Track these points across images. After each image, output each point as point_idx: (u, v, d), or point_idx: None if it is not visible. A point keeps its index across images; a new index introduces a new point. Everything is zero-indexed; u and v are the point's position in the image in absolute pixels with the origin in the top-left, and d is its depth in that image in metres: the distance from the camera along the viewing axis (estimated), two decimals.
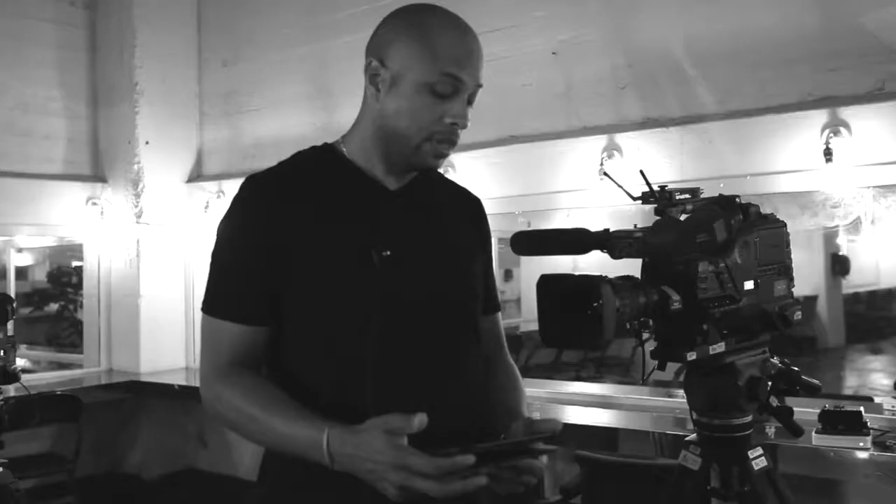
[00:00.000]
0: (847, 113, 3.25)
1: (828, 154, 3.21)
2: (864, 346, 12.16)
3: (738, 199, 1.64)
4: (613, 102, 3.93)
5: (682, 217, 1.61)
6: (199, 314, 5.13)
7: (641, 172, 1.57)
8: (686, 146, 3.63)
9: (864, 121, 3.22)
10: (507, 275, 10.99)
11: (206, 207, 5.60)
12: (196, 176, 5.87)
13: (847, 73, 3.33)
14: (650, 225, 1.57)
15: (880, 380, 9.76)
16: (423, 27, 1.40)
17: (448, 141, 1.43)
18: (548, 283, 1.44)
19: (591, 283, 1.39)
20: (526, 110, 4.14)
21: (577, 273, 1.46)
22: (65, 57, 5.74)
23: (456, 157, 4.18)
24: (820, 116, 3.30)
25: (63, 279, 9.13)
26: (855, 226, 3.42)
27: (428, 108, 1.38)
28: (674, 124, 3.70)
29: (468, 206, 1.62)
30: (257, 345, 1.43)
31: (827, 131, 3.25)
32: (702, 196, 1.62)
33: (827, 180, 3.30)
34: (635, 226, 1.58)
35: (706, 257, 1.54)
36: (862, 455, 2.86)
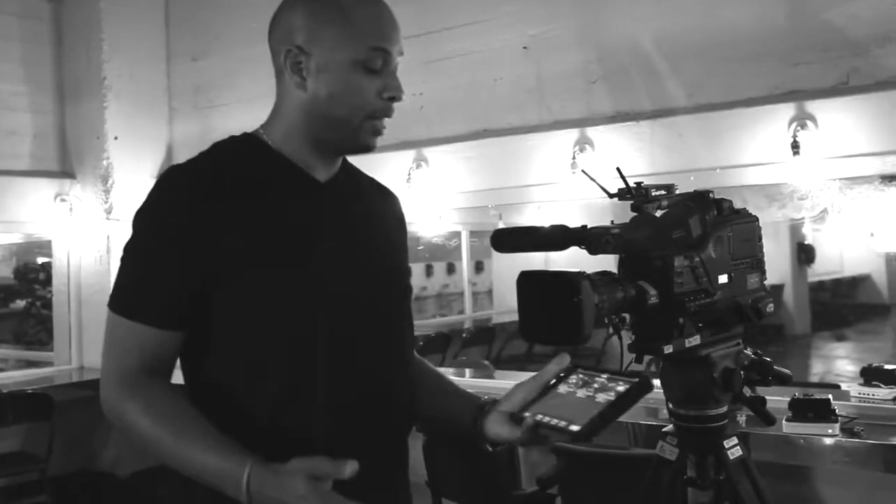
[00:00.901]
0: (813, 106, 3.30)
1: (795, 147, 3.26)
2: (829, 334, 12.39)
3: (711, 195, 1.67)
4: (584, 97, 3.95)
5: (658, 213, 1.63)
6: None
7: (618, 170, 1.59)
8: (656, 139, 3.67)
9: (830, 114, 3.26)
10: (478, 267, 11.05)
11: None
12: None
13: (813, 68, 3.38)
14: (627, 221, 1.60)
15: (845, 366, 9.95)
16: (337, 5, 1.33)
17: (384, 116, 1.36)
18: (527, 279, 1.45)
19: (570, 279, 1.40)
20: (498, 105, 4.14)
21: (553, 269, 1.47)
22: (30, 51, 5.67)
23: (429, 152, 4.19)
24: (787, 110, 3.34)
25: (30, 276, 9.01)
26: (821, 216, 3.48)
27: (363, 87, 1.32)
28: (644, 118, 3.73)
29: (390, 201, 1.55)
30: (170, 351, 1.31)
31: (794, 124, 3.29)
32: (677, 192, 1.65)
33: (794, 172, 3.35)
34: (612, 222, 1.60)
35: (681, 252, 1.57)
36: (830, 441, 2.93)
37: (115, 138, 5.61)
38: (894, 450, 2.90)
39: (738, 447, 1.78)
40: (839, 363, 10.51)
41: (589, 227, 1.58)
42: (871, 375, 3.48)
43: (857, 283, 14.94)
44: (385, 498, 1.36)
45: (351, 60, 1.31)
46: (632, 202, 1.63)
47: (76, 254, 5.74)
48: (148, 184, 5.09)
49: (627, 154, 3.67)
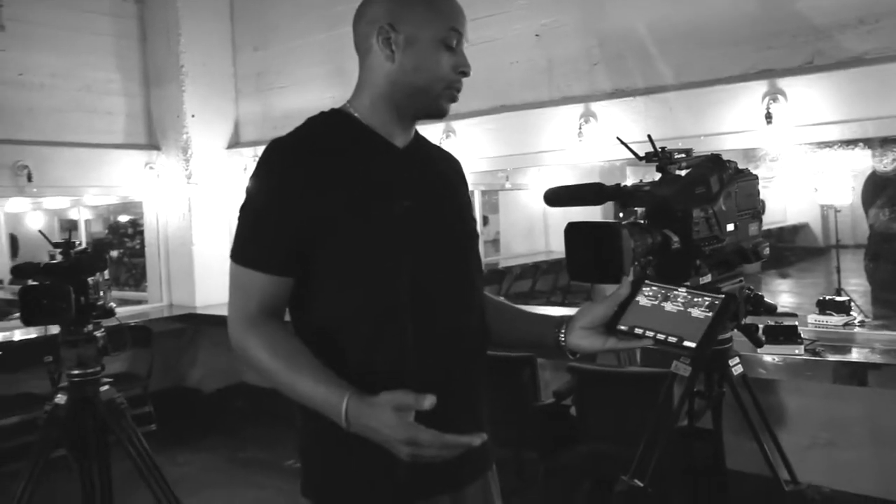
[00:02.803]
0: (783, 83, 3.23)
1: (768, 117, 3.20)
2: (775, 272, 12.36)
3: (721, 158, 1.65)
4: (588, 76, 3.89)
5: (679, 173, 1.61)
6: None
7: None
8: (649, 112, 3.61)
9: (798, 89, 3.20)
10: (485, 220, 11.03)
11: (245, 169, 5.54)
12: (234, 143, 5.78)
13: (783, 50, 3.31)
14: (654, 180, 1.58)
15: (787, 299, 9.96)
16: None
17: (458, 88, 1.34)
18: (574, 229, 1.42)
19: (613, 228, 1.39)
20: (514, 84, 4.09)
21: (595, 220, 1.44)
22: (121, 45, 5.60)
23: (456, 124, 4.15)
24: (760, 86, 3.27)
25: (121, 230, 9.05)
26: (770, 176, 3.44)
27: (442, 61, 1.30)
28: (639, 94, 3.67)
29: (454, 165, 1.52)
30: (282, 294, 1.28)
31: (767, 98, 3.23)
32: (694, 155, 1.63)
33: (767, 139, 3.30)
34: (641, 180, 1.58)
35: (700, 206, 1.55)
36: (799, 359, 2.93)
37: (192, 116, 5.57)
38: (843, 365, 2.91)
39: (740, 365, 1.78)
40: (783, 297, 10.50)
41: (621, 185, 1.56)
42: (825, 306, 3.47)
43: (797, 230, 14.88)
44: (470, 418, 1.34)
45: (434, 38, 1.29)
46: (657, 163, 1.61)
47: (163, 213, 5.74)
48: (220, 153, 5.16)
49: (625, 125, 3.62)
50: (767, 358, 2.93)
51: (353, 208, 1.26)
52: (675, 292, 1.26)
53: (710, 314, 1.20)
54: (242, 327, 1.27)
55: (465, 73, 1.33)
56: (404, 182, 1.34)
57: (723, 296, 1.22)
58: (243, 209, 1.30)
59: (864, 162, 3.88)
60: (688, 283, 1.32)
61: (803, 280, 12.10)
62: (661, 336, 1.20)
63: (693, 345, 1.18)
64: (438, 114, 1.35)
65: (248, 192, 1.31)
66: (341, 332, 1.28)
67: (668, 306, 1.24)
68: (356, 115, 1.35)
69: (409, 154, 1.38)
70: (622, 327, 1.24)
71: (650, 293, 1.27)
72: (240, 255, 1.29)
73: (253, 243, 1.28)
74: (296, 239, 1.26)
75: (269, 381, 1.25)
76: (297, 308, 1.33)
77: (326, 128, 1.35)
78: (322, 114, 1.38)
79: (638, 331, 1.22)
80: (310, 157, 1.27)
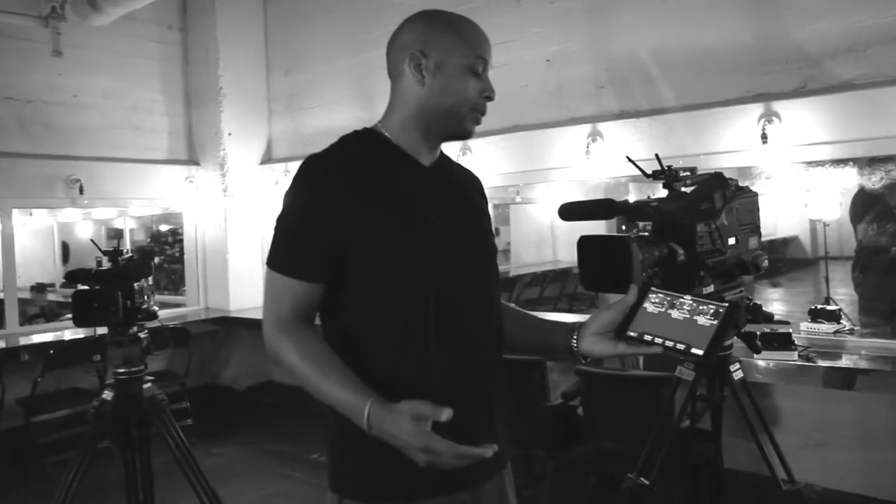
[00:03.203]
0: (778, 106, 3.20)
1: (764, 138, 3.18)
2: (766, 282, 12.24)
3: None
4: (595, 99, 3.88)
5: (684, 189, 1.60)
6: None
7: (657, 156, 1.54)
8: (653, 132, 3.59)
9: (792, 111, 3.17)
10: (496, 232, 11.01)
11: (276, 183, 5.57)
12: (267, 159, 5.81)
13: (778, 76, 3.28)
14: (661, 196, 1.56)
15: (778, 307, 9.84)
16: (452, 23, 1.31)
17: (482, 111, 1.34)
18: (587, 241, 1.41)
19: (623, 241, 1.38)
20: (526, 105, 4.08)
21: (606, 234, 1.43)
22: (165, 69, 5.67)
23: (472, 142, 4.15)
24: (757, 109, 3.25)
25: (162, 239, 9.11)
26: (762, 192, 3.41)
27: (469, 86, 1.28)
28: (643, 115, 3.65)
29: (475, 182, 1.49)
30: (313, 300, 1.26)
31: (762, 120, 3.21)
32: (699, 172, 1.61)
33: (763, 158, 3.27)
34: (648, 197, 1.57)
35: (704, 220, 1.53)
36: (792, 364, 2.89)
37: (229, 134, 5.62)
38: (833, 371, 2.87)
39: (740, 370, 1.75)
40: (775, 305, 10.39)
41: (630, 201, 1.55)
42: (816, 314, 3.43)
43: (787, 242, 14.75)
44: (486, 421, 1.33)
45: (461, 64, 1.28)
46: (663, 181, 1.59)
47: (201, 223, 5.78)
48: (254, 168, 5.19)
49: (630, 144, 3.60)
50: (762, 363, 2.89)
51: (384, 221, 1.25)
52: (681, 300, 1.23)
53: (716, 322, 1.18)
54: (276, 330, 1.26)
55: (490, 98, 1.32)
56: (430, 199, 1.33)
57: (727, 304, 1.20)
58: (280, 220, 1.30)
59: (851, 180, 3.84)
60: (694, 293, 1.30)
61: (793, 289, 11.97)
62: (669, 343, 1.19)
63: (700, 352, 1.16)
64: (464, 135, 1.34)
65: (285, 203, 1.30)
66: (368, 338, 1.26)
67: (675, 314, 1.22)
68: (387, 134, 1.34)
69: (435, 172, 1.37)
70: (632, 333, 1.23)
71: (657, 300, 1.25)
72: (276, 262, 1.27)
73: (288, 252, 1.27)
74: (329, 249, 1.24)
75: (299, 382, 1.24)
76: (328, 314, 1.31)
77: (359, 145, 1.34)
78: (355, 132, 1.37)
79: (647, 337, 1.21)
80: (344, 172, 1.26)
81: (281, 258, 1.27)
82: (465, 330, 1.31)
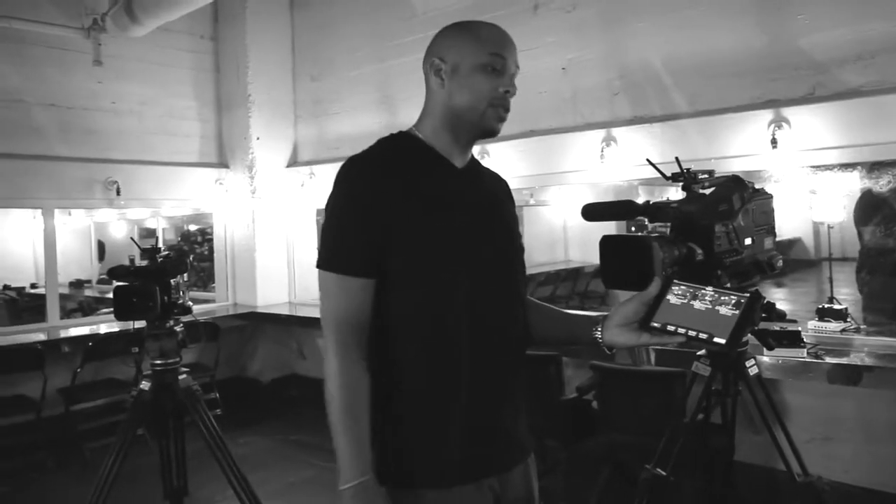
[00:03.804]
0: (787, 112, 3.17)
1: (773, 142, 3.15)
2: (770, 282, 12.13)
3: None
4: (609, 105, 3.86)
5: (701, 191, 1.59)
6: (298, 263, 5.11)
7: (648, 160, 1.53)
8: (665, 137, 3.56)
9: (800, 117, 3.14)
10: None
11: (302, 185, 5.59)
12: (293, 162, 5.84)
13: (787, 82, 3.26)
14: (681, 198, 1.55)
15: (783, 306, 9.73)
16: (468, 27, 1.32)
17: (503, 106, 1.30)
18: (609, 241, 1.41)
19: (645, 241, 1.37)
20: (543, 111, 4.07)
21: (627, 234, 1.43)
22: (197, 77, 5.70)
23: (492, 147, 4.15)
24: (766, 114, 3.22)
25: (191, 238, 9.18)
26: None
27: (484, 83, 1.27)
28: (656, 121, 3.63)
29: (503, 185, 1.49)
30: (368, 298, 1.24)
31: (772, 125, 3.18)
32: (716, 175, 1.60)
33: (772, 162, 3.23)
34: (668, 199, 1.56)
35: (722, 221, 1.52)
36: (800, 361, 2.86)
37: (258, 138, 5.64)
38: (840, 367, 2.84)
39: (756, 366, 1.74)
40: (779, 304, 10.23)
41: (651, 202, 1.54)
42: (824, 313, 3.40)
43: (791, 244, 14.60)
44: (512, 413, 1.33)
45: (474, 63, 1.28)
46: (682, 183, 1.58)
47: (231, 223, 5.81)
48: (281, 171, 5.21)
49: (643, 148, 3.58)
50: (767, 359, 2.86)
51: (421, 219, 1.25)
52: (703, 291, 1.22)
53: (737, 312, 1.17)
54: (332, 342, 1.23)
55: (509, 92, 1.31)
56: (463, 199, 1.33)
57: (748, 294, 1.19)
58: (326, 221, 1.28)
59: (856, 184, 3.80)
60: (715, 285, 1.28)
61: (797, 289, 11.84)
62: (692, 332, 1.17)
63: (723, 341, 1.15)
64: (490, 132, 1.33)
65: (329, 205, 1.27)
66: (400, 333, 1.25)
67: (697, 304, 1.21)
68: (420, 136, 1.35)
69: (467, 174, 1.37)
70: (655, 324, 1.22)
71: (679, 292, 1.24)
72: (327, 261, 1.25)
73: (338, 249, 1.25)
74: (375, 244, 1.23)
75: (327, 400, 1.22)
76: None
77: (396, 147, 1.34)
78: (391, 135, 1.37)
79: (671, 328, 1.19)
80: (383, 171, 1.26)
81: (331, 256, 1.25)
82: (495, 325, 1.30)
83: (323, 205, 1.31)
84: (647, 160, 1.57)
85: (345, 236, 1.25)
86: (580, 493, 3.29)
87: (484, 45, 1.29)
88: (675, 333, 1.19)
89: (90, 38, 4.63)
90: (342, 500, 1.16)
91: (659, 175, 1.61)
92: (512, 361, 1.35)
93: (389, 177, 1.26)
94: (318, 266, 1.26)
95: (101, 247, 8.41)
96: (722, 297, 1.20)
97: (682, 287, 1.24)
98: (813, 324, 3.31)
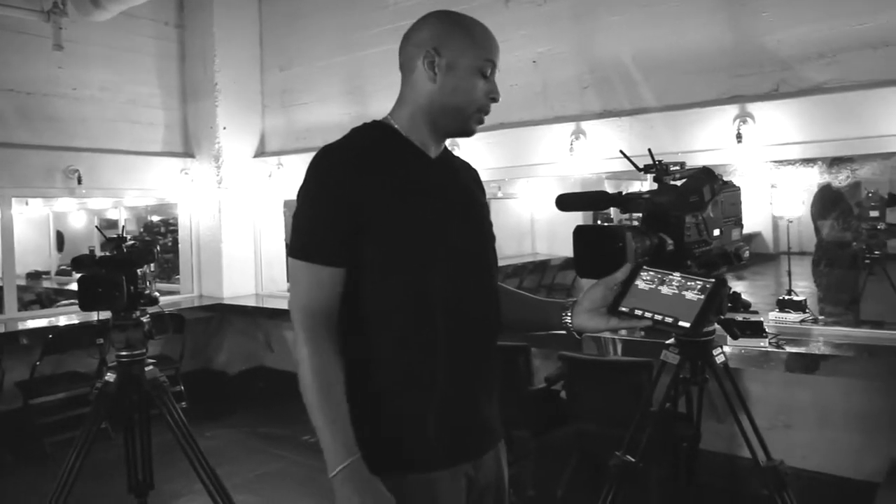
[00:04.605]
0: (752, 107, 3.24)
1: (738, 137, 3.21)
2: (731, 275, 12.38)
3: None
4: (579, 98, 3.89)
5: (673, 182, 1.61)
6: (265, 254, 5.07)
7: (650, 151, 1.55)
8: (634, 131, 3.61)
9: (765, 112, 3.21)
10: None
11: (269, 176, 5.52)
12: (261, 152, 5.76)
13: (752, 78, 3.32)
14: (653, 189, 1.57)
15: (744, 297, 9.94)
16: (467, 25, 1.31)
17: (487, 112, 1.33)
18: (582, 231, 1.42)
19: (617, 231, 1.39)
20: (513, 104, 4.08)
21: (600, 224, 1.45)
22: (163, 64, 5.58)
23: (462, 139, 4.12)
24: (732, 110, 3.28)
25: (155, 229, 9.00)
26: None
27: (477, 87, 1.28)
28: (625, 115, 3.67)
29: (473, 174, 1.50)
30: (338, 287, 1.23)
31: (737, 121, 3.24)
32: (687, 168, 1.62)
33: (738, 156, 3.30)
34: (640, 190, 1.57)
35: (693, 212, 1.55)
36: (761, 350, 2.93)
37: (224, 128, 5.55)
38: (799, 356, 2.91)
39: (722, 354, 1.78)
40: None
41: (623, 193, 1.55)
42: (784, 304, 3.49)
43: (751, 238, 14.92)
44: (488, 398, 1.34)
45: (471, 65, 1.28)
46: (654, 174, 1.60)
47: (196, 213, 5.71)
48: (248, 161, 5.12)
49: (612, 141, 3.62)
50: (728, 349, 2.92)
51: (397, 208, 1.24)
52: (671, 276, 1.25)
53: (703, 297, 1.20)
54: (302, 329, 1.23)
55: (495, 100, 1.33)
56: (438, 188, 1.33)
57: (713, 280, 1.22)
58: (298, 211, 1.26)
59: (816, 179, 3.89)
60: (683, 271, 1.31)
61: (757, 282, 12.10)
62: (658, 317, 1.20)
63: (687, 325, 1.18)
64: (467, 133, 1.34)
65: (301, 194, 1.27)
66: (378, 321, 1.25)
67: (665, 289, 1.23)
68: (396, 126, 1.34)
69: (440, 164, 1.37)
70: (623, 309, 1.24)
71: (648, 277, 1.26)
72: (298, 250, 1.24)
73: (310, 238, 1.24)
74: (348, 233, 1.22)
75: (302, 389, 1.21)
76: (348, 294, 1.28)
77: (372, 136, 1.33)
78: (365, 125, 1.36)
79: (638, 312, 1.22)
80: (358, 160, 1.25)
81: (303, 245, 1.24)
82: (471, 311, 1.31)
83: (291, 196, 1.29)
84: (621, 152, 1.59)
85: (316, 225, 1.24)
86: (549, 481, 3.33)
87: (482, 48, 1.30)
88: (642, 318, 1.21)
89: (50, 22, 4.48)
90: (334, 486, 1.15)
91: (627, 169, 1.63)
92: (488, 347, 1.36)
93: (364, 166, 1.25)
94: (289, 254, 1.26)
95: (60, 237, 8.18)
96: (688, 283, 1.23)
97: (651, 273, 1.27)
98: (774, 314, 3.39)
